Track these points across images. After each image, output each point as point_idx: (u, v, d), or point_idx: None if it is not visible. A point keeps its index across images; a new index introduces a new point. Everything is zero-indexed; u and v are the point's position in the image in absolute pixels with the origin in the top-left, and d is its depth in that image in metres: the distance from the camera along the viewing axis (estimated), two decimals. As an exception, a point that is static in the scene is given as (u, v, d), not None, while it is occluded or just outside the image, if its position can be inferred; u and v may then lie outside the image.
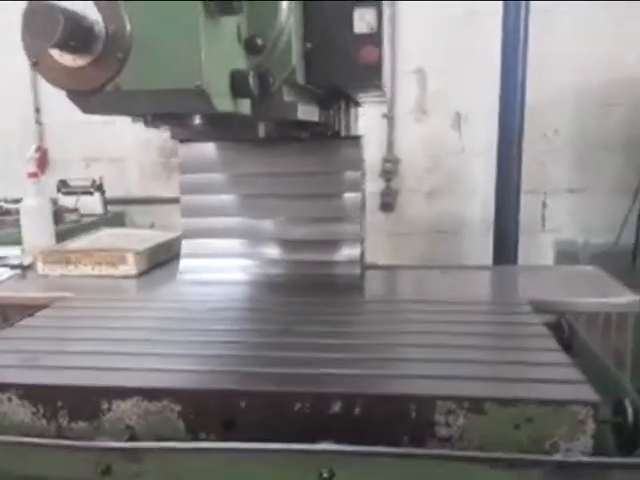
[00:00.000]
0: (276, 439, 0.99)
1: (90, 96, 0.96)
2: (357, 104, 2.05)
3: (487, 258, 3.54)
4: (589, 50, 3.46)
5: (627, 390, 1.12)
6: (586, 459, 0.93)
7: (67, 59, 0.92)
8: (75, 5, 0.88)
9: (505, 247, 3.51)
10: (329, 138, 1.79)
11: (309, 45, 1.36)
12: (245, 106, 1.14)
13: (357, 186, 1.86)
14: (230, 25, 1.04)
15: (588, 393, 1.00)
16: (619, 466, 0.92)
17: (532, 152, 3.55)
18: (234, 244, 1.90)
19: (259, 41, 1.13)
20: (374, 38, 1.37)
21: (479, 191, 3.77)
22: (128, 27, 0.91)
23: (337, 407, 1.02)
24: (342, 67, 1.38)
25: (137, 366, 1.17)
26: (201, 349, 1.26)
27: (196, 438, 1.05)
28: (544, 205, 3.77)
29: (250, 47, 1.13)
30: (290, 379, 1.09)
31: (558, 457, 0.95)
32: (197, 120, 1.15)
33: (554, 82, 3.54)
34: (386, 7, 3.50)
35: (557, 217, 3.76)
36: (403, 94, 3.74)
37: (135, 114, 1.25)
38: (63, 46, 0.89)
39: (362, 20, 1.36)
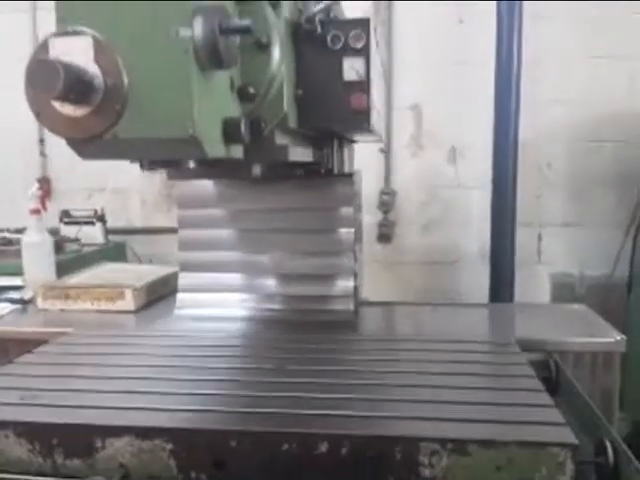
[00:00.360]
0: (266, 477, 1.02)
1: (89, 144, 1.01)
2: (352, 141, 2.11)
3: (484, 289, 3.57)
4: (578, 85, 3.55)
5: (608, 430, 1.15)
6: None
7: (68, 109, 0.96)
8: (76, 60, 0.94)
9: (501, 279, 3.54)
10: (323, 176, 1.82)
11: (300, 92, 1.39)
12: (237, 151, 1.19)
13: (350, 221, 1.90)
14: (223, 75, 1.09)
15: (567, 435, 1.02)
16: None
17: (527, 185, 3.60)
18: (230, 278, 1.94)
19: (251, 89, 1.18)
20: (363, 85, 1.42)
21: (475, 223, 3.82)
22: (125, 80, 0.96)
23: (324, 447, 1.05)
24: (332, 112, 1.43)
25: (131, 405, 1.20)
26: (194, 388, 1.29)
27: (187, 477, 1.08)
28: (539, 238, 3.81)
29: (243, 95, 1.17)
30: (279, 419, 1.12)
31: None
32: (191, 164, 1.20)
33: (546, 117, 3.62)
34: (383, 47, 3.60)
35: (552, 250, 3.79)
36: (399, 129, 3.82)
37: (131, 159, 1.31)
38: (64, 98, 0.94)
39: (352, 68, 1.41)
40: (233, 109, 1.15)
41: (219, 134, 1.08)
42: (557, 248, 3.78)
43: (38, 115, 0.99)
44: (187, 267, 1.98)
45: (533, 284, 3.75)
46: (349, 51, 1.40)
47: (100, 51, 0.95)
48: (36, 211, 2.21)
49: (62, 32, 0.97)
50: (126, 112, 0.97)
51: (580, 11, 3.46)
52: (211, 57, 0.98)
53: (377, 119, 1.74)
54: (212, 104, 1.05)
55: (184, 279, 1.97)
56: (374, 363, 1.43)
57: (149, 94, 0.97)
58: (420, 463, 1.02)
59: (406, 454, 1.03)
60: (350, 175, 1.92)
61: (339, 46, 1.40)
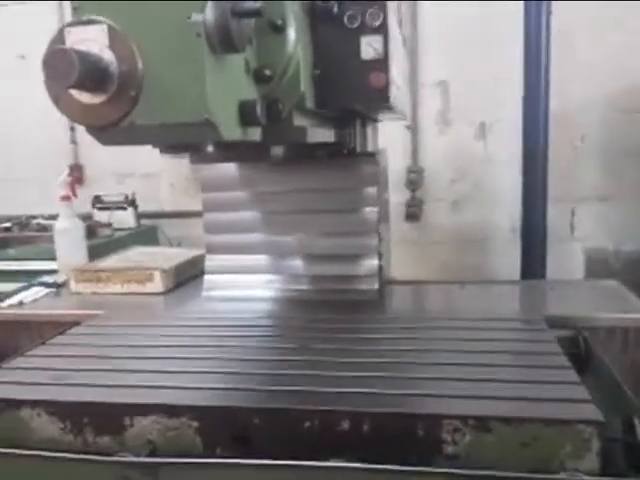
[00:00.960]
0: (288, 455, 1.04)
1: (107, 130, 1.03)
2: (376, 120, 2.09)
3: (515, 267, 3.51)
4: (611, 54, 3.42)
5: (637, 408, 1.12)
6: (588, 479, 0.95)
7: (85, 97, 0.98)
8: (91, 48, 0.95)
9: (533, 256, 3.48)
10: (346, 155, 1.82)
11: (317, 72, 1.39)
12: (255, 133, 1.19)
13: (374, 200, 1.89)
14: (238, 58, 1.09)
15: (593, 412, 1.01)
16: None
17: (559, 159, 3.51)
18: (256, 260, 1.96)
19: (267, 72, 1.18)
20: (381, 63, 1.41)
21: (506, 200, 3.75)
22: (140, 67, 0.97)
23: (346, 425, 1.05)
24: (351, 91, 1.42)
25: (158, 383, 1.22)
26: (220, 367, 1.31)
27: (213, 453, 1.10)
28: (573, 213, 3.73)
29: (259, 77, 1.18)
30: (301, 397, 1.13)
31: (564, 476, 0.96)
32: (210, 147, 1.21)
33: (578, 88, 3.51)
34: (407, 23, 3.54)
35: (586, 225, 3.71)
36: (426, 105, 3.76)
37: (149, 145, 1.30)
38: (80, 86, 0.95)
39: (369, 46, 1.40)
40: (249, 91, 1.15)
41: (235, 117, 1.09)
42: (591, 223, 3.69)
43: (57, 103, 1.01)
44: (213, 249, 2.00)
45: (567, 260, 3.68)
46: (366, 29, 1.39)
47: (114, 39, 0.96)
48: (66, 197, 2.25)
49: (77, 21, 0.98)
50: (141, 98, 0.98)
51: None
52: (223, 40, 0.99)
53: (399, 97, 1.71)
54: (227, 87, 1.05)
55: (210, 261, 1.99)
56: (398, 341, 1.42)
57: (163, 80, 0.98)
58: (443, 440, 1.02)
59: (428, 431, 1.03)
60: (373, 154, 1.90)
61: (356, 25, 1.39)
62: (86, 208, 3.80)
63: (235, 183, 1.96)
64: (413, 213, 3.88)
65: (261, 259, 1.96)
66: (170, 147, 1.34)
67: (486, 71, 3.59)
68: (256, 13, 1.03)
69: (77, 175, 4.22)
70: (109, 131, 1.03)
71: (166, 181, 4.36)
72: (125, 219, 3.92)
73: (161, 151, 1.36)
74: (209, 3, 0.96)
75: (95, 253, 2.43)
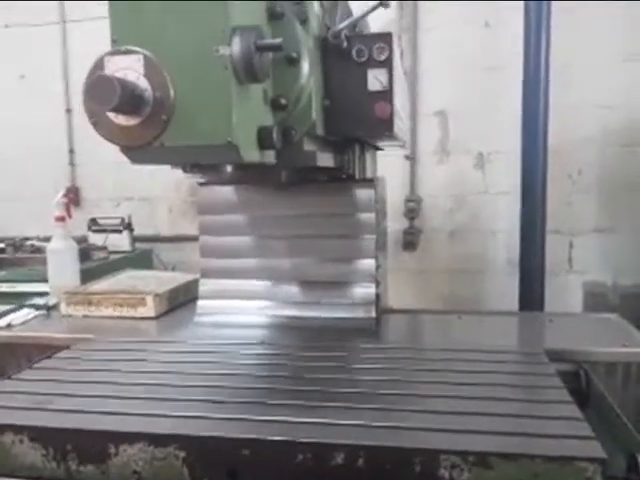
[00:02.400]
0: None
1: (139, 150, 1.13)
2: (376, 148, 2.09)
3: (513, 299, 3.49)
4: (610, 88, 3.45)
5: (640, 445, 1.09)
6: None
7: (121, 120, 1.09)
8: (128, 76, 1.06)
9: (531, 288, 3.46)
10: (344, 181, 1.83)
11: (327, 102, 1.51)
12: (270, 156, 1.30)
13: (372, 227, 1.87)
14: (257, 88, 1.20)
15: (596, 449, 0.97)
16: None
17: (557, 192, 3.52)
18: (250, 285, 1.93)
19: (283, 100, 1.29)
20: (386, 95, 1.52)
21: (504, 231, 3.74)
22: (172, 94, 1.08)
23: (339, 459, 1.01)
24: (358, 120, 1.53)
25: (145, 411, 1.18)
26: (210, 395, 1.27)
27: (201, 486, 1.06)
28: (571, 245, 3.72)
29: (275, 106, 1.29)
30: (293, 428, 1.09)
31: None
32: (229, 168, 1.31)
33: (577, 122, 3.53)
34: (408, 54, 3.59)
35: (584, 258, 3.69)
36: (425, 135, 3.78)
37: (176, 164, 1.47)
38: (119, 110, 1.05)
39: (375, 79, 1.51)
40: (267, 118, 1.27)
41: (254, 141, 1.20)
42: (589, 256, 3.68)
43: (95, 125, 1.11)
44: (208, 274, 1.97)
45: (564, 293, 3.66)
46: (373, 63, 1.51)
47: (149, 67, 1.07)
48: (61, 218, 2.23)
49: (116, 51, 1.09)
50: (172, 122, 1.09)
51: (612, 12, 3.38)
52: (247, 72, 1.10)
53: (401, 126, 1.79)
54: (248, 114, 1.16)
55: (205, 286, 1.96)
56: (395, 372, 1.38)
57: (192, 106, 1.09)
58: (440, 477, 0.98)
59: (425, 467, 0.99)
60: (371, 180, 1.89)
61: (364, 59, 1.51)
62: (82, 231, 3.78)
63: (232, 206, 1.94)
64: (411, 242, 3.86)
65: (256, 284, 1.93)
66: (192, 166, 1.48)
67: (485, 102, 3.62)
68: (277, 47, 1.15)
69: (72, 197, 4.20)
70: (140, 151, 1.13)
71: (164, 205, 4.35)
72: (120, 242, 3.90)
73: (184, 170, 1.51)
74: (235, 37, 1.08)
75: (89, 276, 2.39)
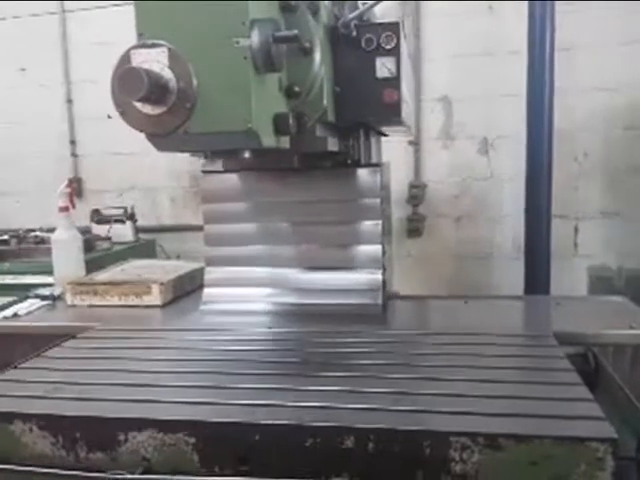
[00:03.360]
0: (290, 474, 0.99)
1: (164, 137, 1.19)
2: (380, 134, 2.07)
3: (518, 284, 3.47)
4: (614, 71, 3.42)
5: (651, 426, 1.08)
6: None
7: (148, 109, 1.14)
8: (154, 67, 1.12)
9: (537, 273, 3.44)
10: (349, 166, 1.83)
11: (338, 89, 1.58)
12: (285, 142, 1.36)
13: (377, 213, 1.86)
14: (273, 77, 1.27)
15: (607, 430, 0.97)
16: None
17: (563, 176, 3.50)
18: (256, 272, 1.92)
19: (296, 88, 1.35)
20: (394, 82, 1.59)
21: (509, 216, 3.72)
22: (195, 84, 1.14)
23: (350, 442, 1.01)
24: (367, 106, 1.60)
25: (154, 398, 1.18)
26: (218, 381, 1.26)
27: (211, 471, 1.05)
28: (576, 229, 3.70)
29: (289, 93, 1.35)
30: (303, 413, 1.08)
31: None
32: (247, 154, 1.33)
33: (582, 106, 3.50)
34: (411, 39, 3.55)
35: (590, 242, 3.68)
36: (429, 121, 3.75)
37: (199, 151, 1.55)
38: (146, 99, 1.11)
39: (384, 67, 1.58)
40: (282, 106, 1.33)
41: (271, 127, 1.27)
42: (594, 240, 3.66)
43: (123, 114, 1.17)
44: (213, 262, 1.96)
45: (570, 278, 3.64)
46: (381, 51, 1.58)
47: (173, 59, 1.13)
48: (64, 209, 2.22)
49: (141, 44, 1.15)
50: (195, 110, 1.15)
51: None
52: (265, 62, 1.17)
53: (407, 111, 1.83)
54: (265, 102, 1.23)
55: (210, 274, 1.95)
56: (402, 357, 1.38)
57: (214, 94, 1.15)
58: (451, 458, 0.98)
59: (436, 449, 0.99)
60: (376, 165, 1.88)
61: (372, 47, 1.58)
62: (85, 222, 3.77)
63: (236, 194, 1.93)
64: (415, 228, 3.85)
65: (261, 272, 1.92)
66: (213, 153, 1.55)
67: (488, 86, 3.59)
68: (294, 39, 1.22)
69: (74, 187, 4.18)
70: (165, 138, 1.19)
71: (166, 195, 4.34)
72: (123, 233, 3.89)
73: (205, 156, 1.62)
74: (254, 30, 1.14)
75: (93, 267, 2.39)
